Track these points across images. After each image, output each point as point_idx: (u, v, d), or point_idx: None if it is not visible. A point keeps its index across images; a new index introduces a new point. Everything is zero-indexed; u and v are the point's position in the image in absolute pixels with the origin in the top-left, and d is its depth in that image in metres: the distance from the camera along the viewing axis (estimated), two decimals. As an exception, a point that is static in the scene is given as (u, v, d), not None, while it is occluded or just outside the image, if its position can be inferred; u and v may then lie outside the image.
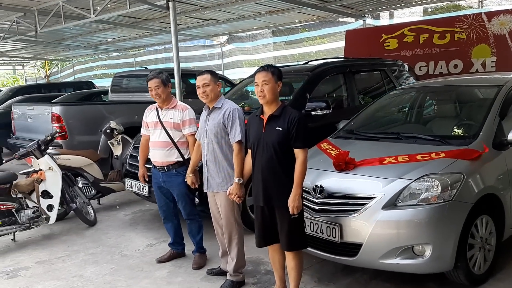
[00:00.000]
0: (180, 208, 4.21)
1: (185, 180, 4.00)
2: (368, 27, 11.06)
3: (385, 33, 9.96)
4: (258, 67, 3.33)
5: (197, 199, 4.35)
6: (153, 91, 3.99)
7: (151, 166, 4.28)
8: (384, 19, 11.95)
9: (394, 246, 3.25)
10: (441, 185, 3.26)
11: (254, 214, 3.42)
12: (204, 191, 3.80)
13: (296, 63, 8.90)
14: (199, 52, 16.40)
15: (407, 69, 7.27)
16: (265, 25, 12.27)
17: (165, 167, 4.08)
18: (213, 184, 3.69)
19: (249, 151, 3.45)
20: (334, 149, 4.09)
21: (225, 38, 14.52)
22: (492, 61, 8.29)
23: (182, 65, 16.39)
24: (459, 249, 3.27)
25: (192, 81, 9.56)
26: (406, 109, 4.84)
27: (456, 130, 4.10)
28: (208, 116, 3.71)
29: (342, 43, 11.47)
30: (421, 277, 3.61)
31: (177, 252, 4.44)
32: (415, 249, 3.25)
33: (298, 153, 3.13)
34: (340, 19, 12.04)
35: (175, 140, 4.04)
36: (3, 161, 6.64)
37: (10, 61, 24.89)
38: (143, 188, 5.04)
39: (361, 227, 3.34)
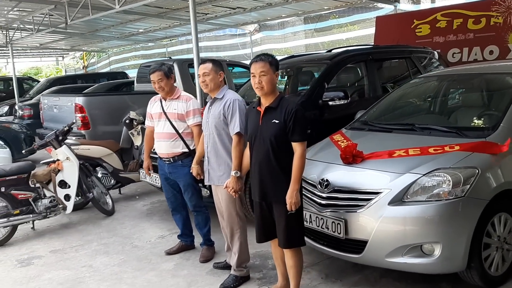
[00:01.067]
0: (186, 200, 4.16)
1: (191, 171, 3.94)
2: (399, 12, 10.61)
3: (416, 18, 9.52)
4: (254, 57, 3.17)
5: (207, 191, 4.29)
6: (156, 84, 3.94)
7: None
8: (425, 3, 11.39)
9: (401, 244, 3.07)
10: (452, 180, 3.05)
11: (254, 209, 3.32)
12: (205, 183, 3.73)
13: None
14: (230, 41, 16.31)
15: (436, 57, 6.91)
16: (294, 12, 12.02)
17: (170, 159, 4.03)
18: (213, 177, 3.61)
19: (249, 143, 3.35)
20: (345, 141, 3.92)
21: (254, 26, 14.36)
22: (531, 47, 7.78)
23: (213, 54, 16.48)
24: (472, 249, 3.06)
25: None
26: (426, 99, 4.58)
27: (475, 121, 3.84)
28: (210, 107, 3.62)
29: (372, 30, 11.09)
30: (433, 276, 3.41)
31: (186, 244, 4.40)
32: (424, 248, 3.07)
33: (296, 146, 2.99)
34: (371, 5, 11.64)
35: (180, 131, 3.98)
36: (24, 152, 6.80)
37: (51, 53, 25.70)
38: (156, 179, 5.03)
39: (367, 223, 3.18)
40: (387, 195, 3.15)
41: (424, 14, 9.50)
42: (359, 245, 3.24)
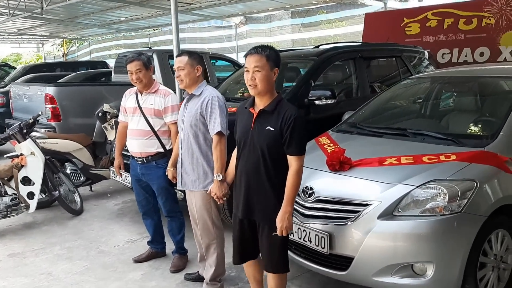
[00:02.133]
0: (160, 204, 3.82)
1: (166, 173, 3.61)
2: (389, 10, 10.36)
3: (406, 16, 9.28)
4: (250, 48, 2.70)
5: (182, 194, 3.95)
6: (134, 74, 3.57)
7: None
8: (413, 1, 11.14)
9: (390, 263, 2.79)
10: (448, 193, 2.77)
11: (233, 225, 2.96)
12: (178, 188, 3.40)
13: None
14: (214, 33, 15.89)
15: (427, 57, 6.66)
16: (281, 6, 11.67)
17: (144, 158, 3.68)
18: (187, 181, 3.28)
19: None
20: (332, 145, 3.62)
21: (240, 19, 13.97)
22: (522, 50, 7.60)
23: (197, 46, 16.03)
24: (467, 269, 2.79)
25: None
26: (418, 101, 4.31)
27: (472, 128, 3.57)
28: (186, 105, 3.28)
29: (361, 27, 10.83)
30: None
31: (156, 252, 4.06)
32: (415, 268, 2.78)
33: (292, 160, 2.56)
34: (360, 1, 11.37)
35: (156, 129, 3.63)
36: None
37: (30, 39, 24.85)
38: (127, 179, 4.67)
39: (353, 238, 2.89)
40: (377, 208, 2.85)
41: (414, 12, 9.27)
42: (344, 262, 2.95)
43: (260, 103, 2.67)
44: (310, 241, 3.08)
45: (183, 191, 3.78)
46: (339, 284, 3.41)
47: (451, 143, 3.25)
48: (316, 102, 4.83)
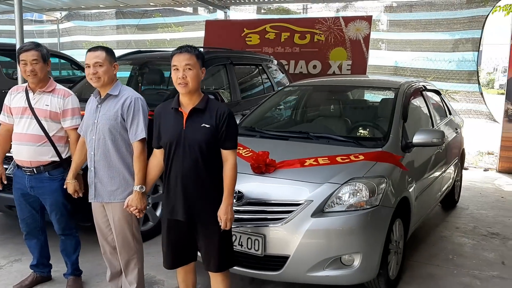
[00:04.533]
0: (52, 221, 3.29)
1: (64, 186, 3.14)
2: (229, 19, 10.80)
3: (247, 27, 9.80)
4: (178, 48, 2.65)
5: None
6: (29, 66, 3.02)
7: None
8: (251, 13, 11.73)
9: (324, 257, 2.98)
10: (369, 189, 3.10)
11: (164, 229, 2.77)
12: (91, 201, 3.00)
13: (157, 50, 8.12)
14: (29, 28, 14.10)
15: (280, 67, 7.22)
16: (115, 4, 11.05)
17: (34, 169, 3.13)
18: (103, 192, 2.92)
19: (156, 152, 2.80)
20: (242, 148, 3.65)
21: (64, 14, 12.74)
22: (348, 65, 8.76)
23: (5, 40, 13.98)
24: (382, 256, 3.17)
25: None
26: (306, 107, 4.65)
27: (364, 131, 4.04)
28: (99, 106, 2.91)
29: (199, 33, 11.03)
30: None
31: (41, 276, 3.50)
32: (343, 259, 3.03)
33: (228, 155, 2.62)
34: (200, 8, 11.58)
35: (50, 134, 3.12)
36: None
37: None
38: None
39: (289, 237, 2.99)
40: (310, 207, 3.01)
41: (254, 24, 9.85)
42: (278, 261, 3.03)
43: (189, 102, 2.64)
44: (241, 245, 3.08)
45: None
46: (255, 284, 3.49)
47: (353, 144, 3.63)
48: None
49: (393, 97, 4.11)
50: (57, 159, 3.16)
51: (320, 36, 9.05)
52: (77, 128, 3.15)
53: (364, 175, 3.20)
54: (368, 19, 8.75)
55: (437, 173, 4.38)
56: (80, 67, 8.46)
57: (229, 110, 2.67)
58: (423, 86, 4.75)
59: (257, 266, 3.09)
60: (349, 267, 3.03)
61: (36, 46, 3.10)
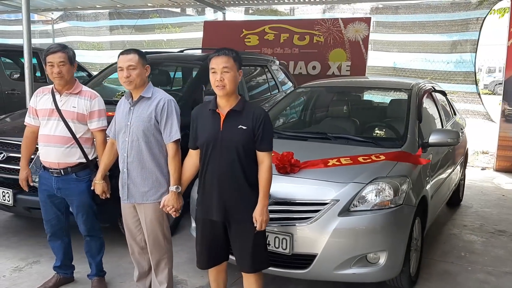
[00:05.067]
0: (78, 222, 3.30)
1: (91, 187, 3.16)
2: (228, 20, 10.83)
3: (245, 28, 9.84)
4: (216, 51, 2.69)
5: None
6: (56, 67, 3.02)
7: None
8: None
9: (351, 255, 3.04)
10: (393, 188, 3.17)
11: (199, 229, 2.82)
12: (123, 202, 3.02)
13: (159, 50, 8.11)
14: (20, 28, 13.95)
15: (284, 68, 7.29)
16: (111, 4, 11.01)
17: (61, 170, 3.14)
18: (135, 193, 2.95)
19: (191, 152, 2.85)
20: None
21: (59, 14, 12.62)
22: (347, 65, 8.85)
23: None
24: (406, 253, 3.25)
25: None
26: (320, 108, 4.71)
27: (378, 131, 4.12)
28: (132, 108, 2.93)
29: (196, 34, 11.04)
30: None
31: (65, 277, 3.50)
32: (369, 257, 3.10)
33: (264, 157, 2.66)
34: (198, 9, 11.57)
35: (78, 136, 3.14)
36: None
37: None
38: (4, 195, 3.90)
39: (316, 236, 3.05)
40: (336, 206, 3.07)
41: (253, 25, 9.90)
42: (306, 260, 3.09)
43: (227, 104, 2.69)
44: (269, 244, 3.12)
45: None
46: (276, 282, 3.53)
47: (371, 144, 3.70)
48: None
49: (406, 98, 4.19)
50: (84, 160, 3.18)
51: (319, 37, 9.13)
52: (103, 130, 3.18)
53: (387, 174, 3.27)
54: (367, 20, 8.86)
55: (447, 172, 4.49)
56: (80, 67, 8.39)
57: (266, 112, 2.73)
58: (432, 87, 4.84)
59: (285, 264, 3.14)
60: (374, 264, 3.09)
61: (63, 48, 3.11)
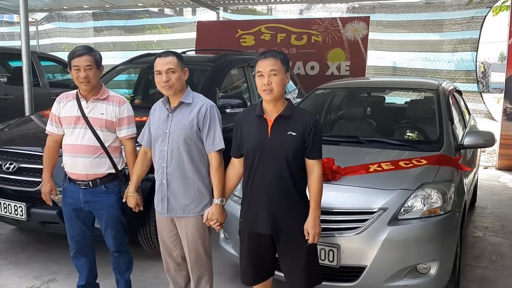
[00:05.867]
0: (106, 238, 3.06)
1: (122, 200, 2.92)
2: (222, 20, 10.60)
3: (241, 28, 9.64)
4: (261, 52, 2.53)
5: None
6: (82, 72, 2.78)
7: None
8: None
9: (402, 266, 2.88)
10: (442, 194, 3.03)
11: (244, 243, 2.63)
12: (162, 216, 2.79)
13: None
14: (2, 29, 13.47)
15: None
16: (100, 4, 10.65)
17: (90, 182, 2.89)
18: (176, 206, 2.72)
19: (234, 161, 2.66)
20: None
21: (44, 15, 12.18)
22: (346, 65, 8.74)
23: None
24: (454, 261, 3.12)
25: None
26: (343, 110, 4.55)
27: (409, 134, 3.98)
28: (171, 114, 2.71)
29: (188, 35, 10.81)
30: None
31: (89, 296, 3.25)
32: (418, 268, 2.94)
33: (314, 165, 2.50)
34: (188, 8, 11.32)
35: (106, 145, 2.89)
36: None
37: None
38: (16, 209, 3.61)
39: (365, 247, 2.88)
40: (386, 215, 2.91)
41: (248, 25, 9.70)
42: (354, 272, 2.92)
43: (274, 109, 2.52)
44: (315, 257, 2.94)
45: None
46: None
47: (409, 148, 3.55)
48: (227, 110, 4.63)
49: (435, 98, 4.07)
50: (113, 171, 2.93)
51: (317, 37, 9.00)
52: (133, 138, 2.95)
53: (433, 180, 3.13)
54: (366, 20, 8.77)
55: (473, 173, 4.39)
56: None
57: (316, 118, 2.57)
58: (454, 87, 4.75)
59: (331, 277, 2.96)
60: (425, 275, 2.94)
61: (89, 50, 2.86)
